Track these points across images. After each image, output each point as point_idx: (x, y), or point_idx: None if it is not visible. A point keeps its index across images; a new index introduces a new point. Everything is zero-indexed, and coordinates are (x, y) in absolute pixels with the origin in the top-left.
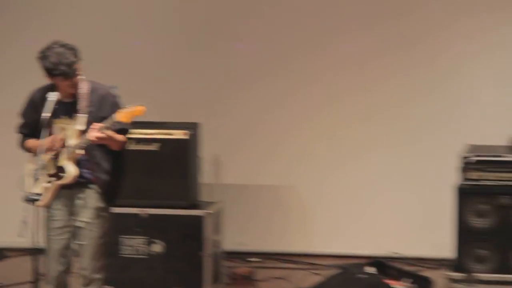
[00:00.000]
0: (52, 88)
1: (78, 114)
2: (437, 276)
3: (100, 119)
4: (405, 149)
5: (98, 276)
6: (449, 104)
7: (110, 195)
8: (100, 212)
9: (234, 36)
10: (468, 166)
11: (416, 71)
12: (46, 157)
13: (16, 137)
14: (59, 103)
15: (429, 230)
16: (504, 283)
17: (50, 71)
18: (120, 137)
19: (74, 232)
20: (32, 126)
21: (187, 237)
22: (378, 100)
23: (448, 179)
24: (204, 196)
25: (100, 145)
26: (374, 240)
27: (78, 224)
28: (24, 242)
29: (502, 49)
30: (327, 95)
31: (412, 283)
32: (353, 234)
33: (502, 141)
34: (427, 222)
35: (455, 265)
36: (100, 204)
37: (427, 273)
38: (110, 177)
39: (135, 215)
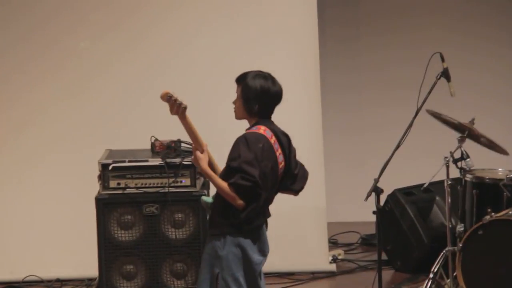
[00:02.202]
0: None
1: None
2: None
3: None
4: (46, 159)
5: None
6: (91, 111)
7: None
8: None
9: None
10: (107, 173)
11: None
12: None
13: None
14: None
15: (72, 248)
16: None
17: None
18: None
19: None
20: None
21: None
22: (20, 112)
23: (92, 190)
24: None
25: None
26: (8, 264)
27: None
28: None
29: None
30: None
31: None
32: None
33: (144, 145)
34: (69, 239)
35: (100, 284)
36: None
37: None
38: None
39: None
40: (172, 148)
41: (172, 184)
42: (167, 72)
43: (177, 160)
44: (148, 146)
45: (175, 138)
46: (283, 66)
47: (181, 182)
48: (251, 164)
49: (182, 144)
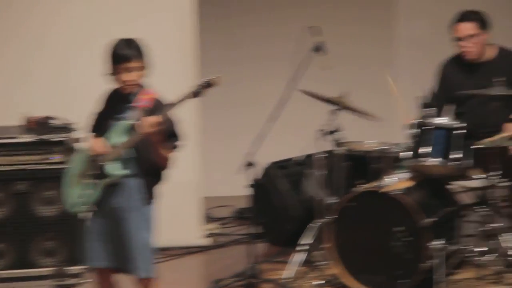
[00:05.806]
0: None
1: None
2: None
3: None
4: None
5: None
6: None
7: None
8: None
9: None
10: None
11: None
12: None
13: None
14: None
15: None
16: (24, 278)
17: None
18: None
19: None
20: None
21: None
22: None
23: None
24: None
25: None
26: None
27: None
28: None
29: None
30: None
31: None
32: None
33: (16, 121)
34: None
35: None
36: None
37: None
38: None
39: None
40: (43, 124)
41: (43, 161)
42: (44, 47)
43: (48, 137)
44: (20, 123)
45: (47, 115)
46: (160, 37)
47: (52, 158)
48: None
49: (54, 121)
